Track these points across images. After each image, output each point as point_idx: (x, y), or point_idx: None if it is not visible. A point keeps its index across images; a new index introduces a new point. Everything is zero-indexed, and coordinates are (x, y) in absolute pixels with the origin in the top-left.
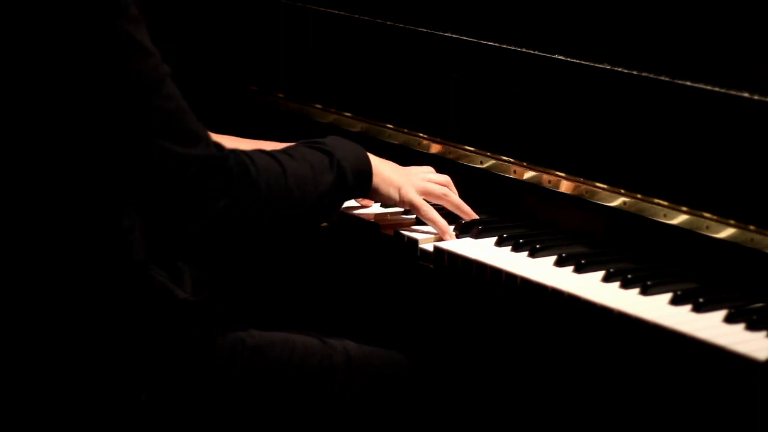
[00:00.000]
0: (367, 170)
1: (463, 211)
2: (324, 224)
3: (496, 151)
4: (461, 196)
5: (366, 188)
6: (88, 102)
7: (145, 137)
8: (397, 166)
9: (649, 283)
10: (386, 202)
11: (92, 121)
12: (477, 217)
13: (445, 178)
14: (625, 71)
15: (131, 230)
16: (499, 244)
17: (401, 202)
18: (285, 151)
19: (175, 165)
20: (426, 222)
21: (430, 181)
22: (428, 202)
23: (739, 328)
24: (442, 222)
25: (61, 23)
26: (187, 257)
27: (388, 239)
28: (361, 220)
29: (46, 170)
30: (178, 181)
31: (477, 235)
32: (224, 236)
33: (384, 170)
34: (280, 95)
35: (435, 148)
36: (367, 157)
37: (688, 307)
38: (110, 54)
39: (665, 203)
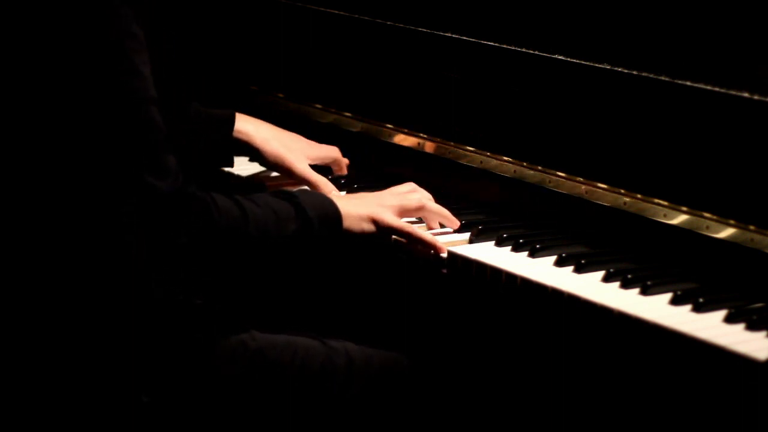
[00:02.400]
0: (335, 217)
1: (445, 217)
2: None
3: (496, 151)
4: (461, 196)
5: (336, 233)
6: (73, 111)
7: (124, 158)
8: (369, 194)
9: (649, 283)
10: (365, 238)
11: (76, 130)
12: (458, 223)
13: (420, 194)
14: (625, 71)
15: (130, 231)
16: (499, 244)
17: (382, 232)
18: (250, 197)
19: (146, 194)
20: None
21: (404, 195)
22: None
23: (739, 328)
24: (429, 238)
25: (60, 32)
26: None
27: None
28: None
29: (39, 173)
30: (146, 212)
31: (477, 236)
32: (190, 270)
33: (353, 209)
34: (280, 95)
35: (435, 148)
36: (335, 206)
37: (688, 307)
38: (103, 66)
39: (665, 203)
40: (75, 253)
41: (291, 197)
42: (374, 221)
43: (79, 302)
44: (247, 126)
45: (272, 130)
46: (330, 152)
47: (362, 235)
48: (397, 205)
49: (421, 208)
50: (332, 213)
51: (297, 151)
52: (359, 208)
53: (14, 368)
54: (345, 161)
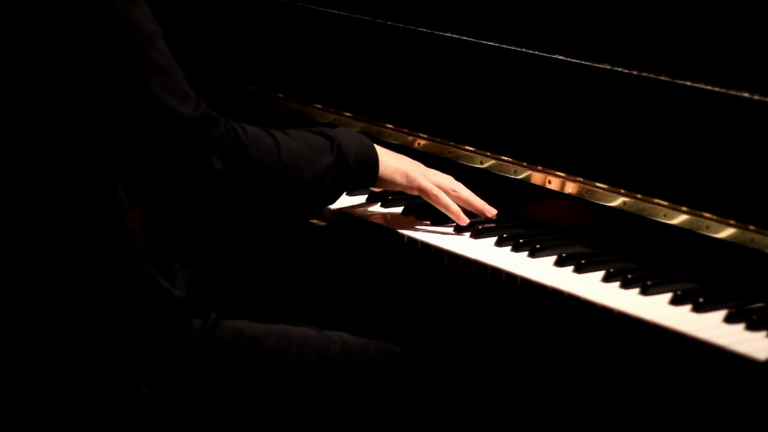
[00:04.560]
0: (372, 158)
1: (475, 207)
2: (322, 223)
3: (496, 151)
4: None
5: (371, 176)
6: (82, 55)
7: (142, 88)
8: (405, 157)
9: (649, 283)
10: (393, 188)
11: (88, 77)
12: (495, 211)
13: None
14: (625, 71)
15: (124, 218)
16: (499, 244)
17: (410, 188)
18: (282, 131)
19: (171, 120)
20: (439, 208)
21: (440, 173)
22: None
23: (739, 328)
24: (455, 208)
25: None
26: (188, 242)
27: (389, 238)
28: (359, 219)
29: (37, 151)
30: (175, 138)
31: (477, 235)
32: (223, 209)
33: (390, 159)
34: (280, 95)
35: (435, 148)
36: (373, 146)
37: (688, 307)
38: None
39: (665, 203)
40: (70, 241)
41: (324, 131)
42: (408, 178)
43: (79, 290)
44: None
45: None
46: None
47: (390, 185)
48: (433, 178)
49: (455, 190)
50: (370, 153)
51: None
52: (398, 162)
53: (11, 360)
54: None
